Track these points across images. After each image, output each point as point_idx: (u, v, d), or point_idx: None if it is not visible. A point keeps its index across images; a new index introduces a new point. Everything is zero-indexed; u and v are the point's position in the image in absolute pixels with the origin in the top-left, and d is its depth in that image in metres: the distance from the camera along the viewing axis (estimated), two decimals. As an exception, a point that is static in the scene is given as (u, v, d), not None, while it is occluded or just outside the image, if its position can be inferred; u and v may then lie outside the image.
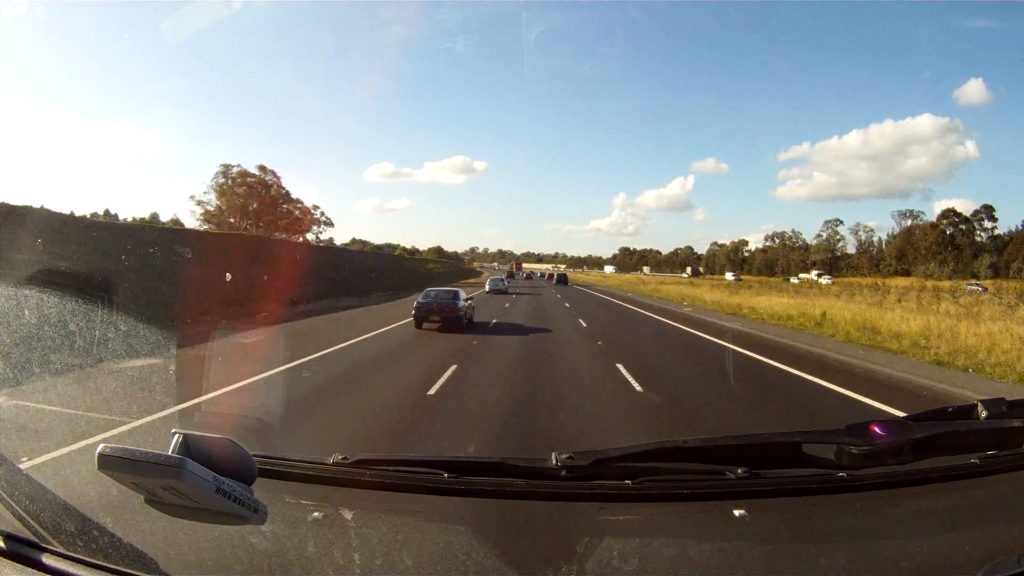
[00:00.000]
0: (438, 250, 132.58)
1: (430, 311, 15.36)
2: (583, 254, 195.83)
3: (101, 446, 0.94)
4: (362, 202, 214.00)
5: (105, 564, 1.00)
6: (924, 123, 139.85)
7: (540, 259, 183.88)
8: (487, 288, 38.63)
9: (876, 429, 1.42)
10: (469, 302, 17.22)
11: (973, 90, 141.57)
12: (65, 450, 4.66)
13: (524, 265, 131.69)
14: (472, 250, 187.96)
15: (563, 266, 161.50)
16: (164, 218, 67.25)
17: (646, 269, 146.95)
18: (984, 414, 1.53)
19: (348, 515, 1.30)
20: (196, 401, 6.72)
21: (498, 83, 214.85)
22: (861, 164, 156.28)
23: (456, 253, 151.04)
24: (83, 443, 4.84)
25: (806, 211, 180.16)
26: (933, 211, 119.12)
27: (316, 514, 1.28)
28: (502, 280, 42.98)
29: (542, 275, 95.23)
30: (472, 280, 60.19)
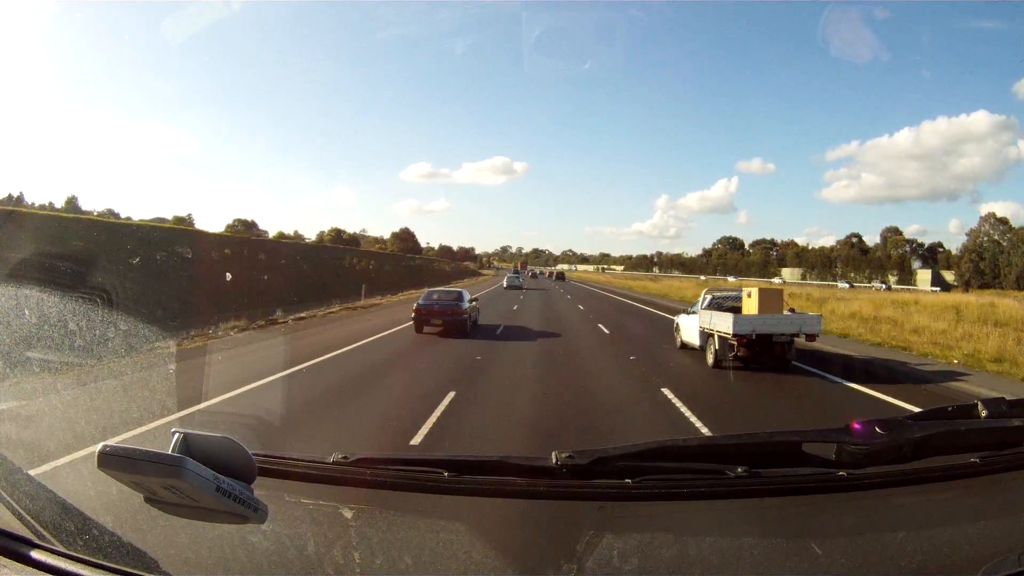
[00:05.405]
0: (402, 235, 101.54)
1: (431, 314, 14.77)
2: (648, 252, 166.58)
3: (101, 445, 0.94)
4: (401, 203, 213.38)
5: (105, 563, 1.00)
6: (979, 120, 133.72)
7: (585, 260, 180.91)
8: (504, 284, 47.56)
9: (876, 428, 1.42)
10: (474, 303, 16.74)
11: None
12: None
13: (560, 266, 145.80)
14: (504, 249, 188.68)
15: (618, 267, 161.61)
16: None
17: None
18: (984, 413, 1.53)
19: (348, 514, 1.30)
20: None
21: (539, 84, 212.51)
22: (911, 164, 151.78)
23: (471, 250, 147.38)
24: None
25: (852, 214, 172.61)
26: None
27: (316, 513, 1.27)
28: (517, 277, 53.30)
29: (541, 273, 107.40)
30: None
